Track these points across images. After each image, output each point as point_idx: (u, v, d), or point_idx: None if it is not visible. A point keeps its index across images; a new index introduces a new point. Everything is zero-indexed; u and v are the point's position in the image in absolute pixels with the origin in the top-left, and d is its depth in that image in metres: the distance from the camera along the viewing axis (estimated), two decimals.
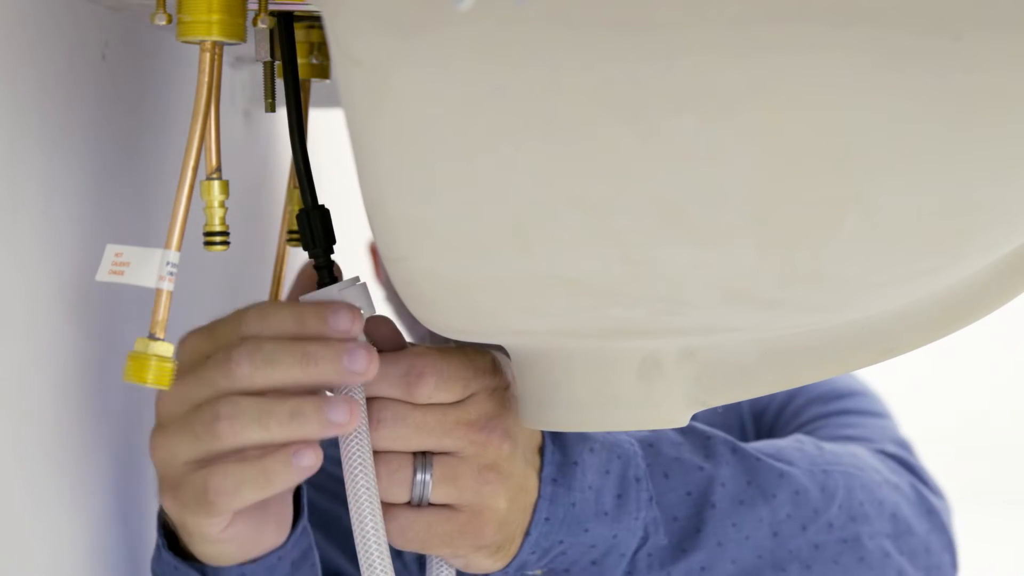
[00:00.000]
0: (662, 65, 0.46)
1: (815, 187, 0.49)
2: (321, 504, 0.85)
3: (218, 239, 0.58)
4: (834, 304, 0.57)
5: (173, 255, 0.56)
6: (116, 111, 0.71)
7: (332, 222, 0.64)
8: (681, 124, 0.47)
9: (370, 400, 0.63)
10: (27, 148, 0.60)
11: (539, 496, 0.66)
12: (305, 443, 0.58)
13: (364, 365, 0.59)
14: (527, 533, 0.67)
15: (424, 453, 0.64)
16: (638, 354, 0.61)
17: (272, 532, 0.65)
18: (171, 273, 0.56)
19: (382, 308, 1.13)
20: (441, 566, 0.68)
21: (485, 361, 0.65)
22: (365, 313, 0.63)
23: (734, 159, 0.48)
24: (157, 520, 0.66)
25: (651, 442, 0.72)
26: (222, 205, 0.58)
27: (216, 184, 0.57)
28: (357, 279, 0.63)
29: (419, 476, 0.64)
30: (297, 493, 0.67)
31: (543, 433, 0.68)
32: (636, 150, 0.48)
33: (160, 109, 0.77)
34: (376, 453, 0.63)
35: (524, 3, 0.45)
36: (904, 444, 0.93)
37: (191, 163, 0.56)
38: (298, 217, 0.64)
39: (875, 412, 0.99)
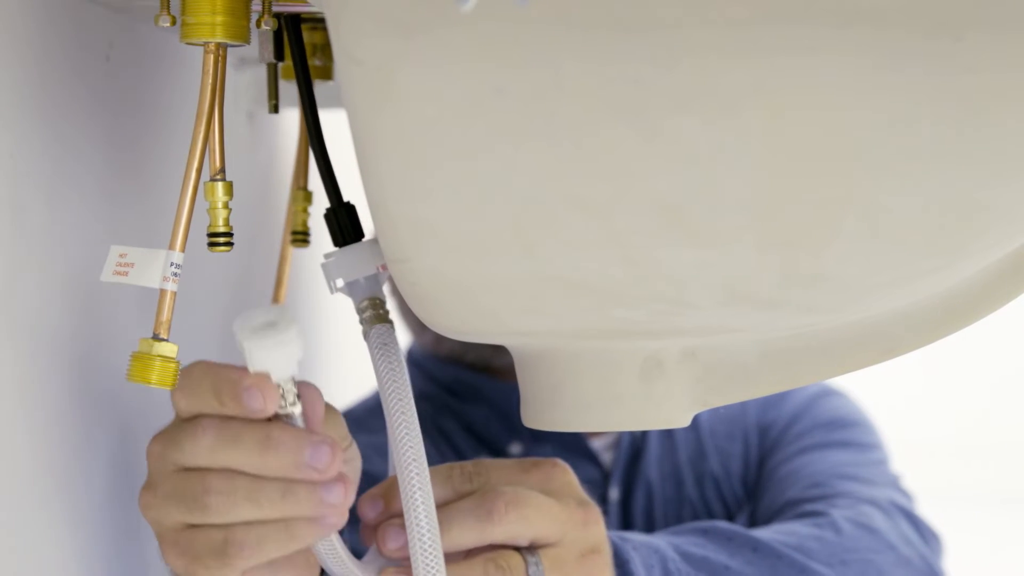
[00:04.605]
0: (663, 66, 0.46)
1: (816, 188, 0.50)
2: None
3: (222, 240, 0.58)
4: (835, 304, 0.57)
5: (177, 256, 0.57)
6: (120, 113, 0.71)
7: (359, 217, 0.64)
8: (682, 124, 0.48)
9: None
10: (31, 149, 0.60)
11: None
12: None
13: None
14: None
15: (521, 547, 0.66)
16: (640, 354, 0.61)
17: None
18: (175, 274, 0.56)
19: (388, 302, 1.14)
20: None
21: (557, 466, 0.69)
22: (387, 271, 0.64)
23: (735, 160, 0.48)
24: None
25: (676, 543, 0.76)
26: (226, 206, 0.58)
27: (220, 185, 0.57)
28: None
29: (532, 570, 0.65)
30: None
31: None
32: (637, 150, 0.48)
33: (164, 111, 0.77)
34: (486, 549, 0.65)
35: (526, 4, 0.46)
36: (900, 487, 1.00)
37: (195, 164, 0.57)
38: (325, 216, 0.64)
39: (873, 445, 1.05)
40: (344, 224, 0.64)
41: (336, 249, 0.64)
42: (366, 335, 0.62)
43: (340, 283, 0.64)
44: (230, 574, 0.59)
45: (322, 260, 0.64)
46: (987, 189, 0.51)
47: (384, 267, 0.64)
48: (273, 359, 0.56)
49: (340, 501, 0.57)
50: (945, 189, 0.50)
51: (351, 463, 0.63)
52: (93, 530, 0.67)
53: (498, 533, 0.65)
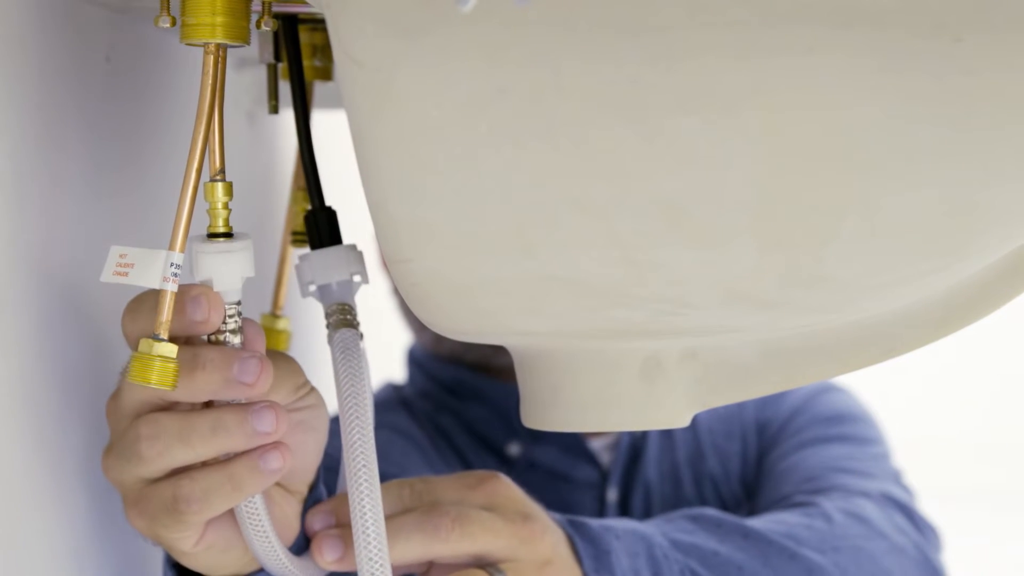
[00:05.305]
0: (663, 67, 0.47)
1: (816, 188, 0.50)
2: None
3: (222, 240, 0.58)
4: (835, 305, 0.57)
5: (177, 256, 0.56)
6: (120, 114, 0.71)
7: (339, 223, 0.65)
8: (683, 125, 0.48)
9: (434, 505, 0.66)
10: (31, 150, 0.60)
11: None
12: (272, 445, 0.57)
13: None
14: None
15: (486, 566, 0.66)
16: (640, 355, 0.61)
17: None
18: (175, 274, 0.56)
19: (388, 300, 1.14)
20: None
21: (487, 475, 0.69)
22: (360, 280, 0.64)
23: (736, 160, 0.49)
24: None
25: (665, 530, 0.77)
26: (226, 207, 0.58)
27: (220, 186, 0.57)
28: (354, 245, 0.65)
29: None
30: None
31: (564, 529, 0.70)
32: (638, 151, 0.49)
33: (164, 111, 0.77)
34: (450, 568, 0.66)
35: (526, 5, 0.46)
36: (900, 482, 0.99)
37: (195, 165, 0.57)
38: (305, 218, 0.65)
39: (872, 439, 1.04)
40: (323, 228, 0.64)
41: (311, 251, 0.64)
42: (330, 339, 0.62)
43: (312, 287, 0.64)
44: (187, 532, 0.59)
45: (296, 261, 0.65)
46: (986, 190, 0.51)
47: (357, 274, 0.64)
48: (218, 265, 0.57)
49: (271, 428, 0.56)
50: (944, 190, 0.50)
51: (311, 409, 0.62)
52: (91, 531, 0.67)
53: (444, 549, 0.65)
